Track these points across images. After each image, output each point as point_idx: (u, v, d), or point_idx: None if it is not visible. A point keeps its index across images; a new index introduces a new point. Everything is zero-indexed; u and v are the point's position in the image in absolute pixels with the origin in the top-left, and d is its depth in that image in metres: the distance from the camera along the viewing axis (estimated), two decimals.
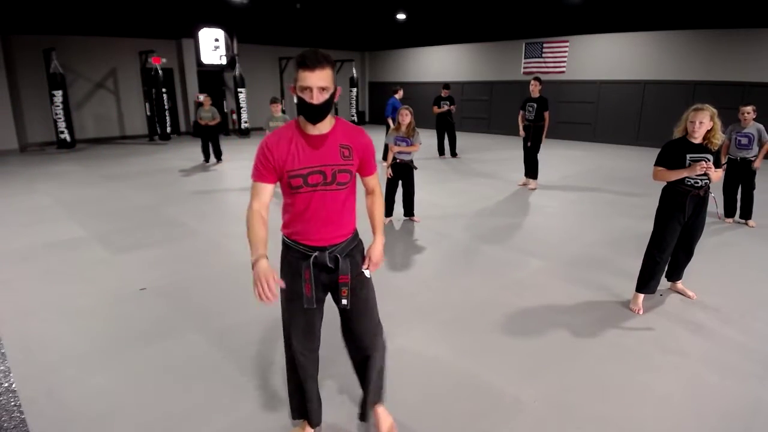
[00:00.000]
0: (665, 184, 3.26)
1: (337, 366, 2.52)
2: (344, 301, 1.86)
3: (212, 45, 13.95)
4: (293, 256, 1.86)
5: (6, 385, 2.50)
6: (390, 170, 5.26)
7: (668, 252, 3.32)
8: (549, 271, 4.13)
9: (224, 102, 14.85)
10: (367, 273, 1.92)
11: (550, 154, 7.61)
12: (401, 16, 14.74)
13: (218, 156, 9.57)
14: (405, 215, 5.55)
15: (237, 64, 13.97)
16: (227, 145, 11.69)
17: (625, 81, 12.21)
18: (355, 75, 16.52)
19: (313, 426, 2.11)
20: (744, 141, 5.29)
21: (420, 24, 15.41)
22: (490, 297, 3.62)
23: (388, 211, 5.42)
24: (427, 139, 8.13)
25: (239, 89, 14.04)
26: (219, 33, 13.95)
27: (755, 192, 5.41)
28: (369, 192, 2.00)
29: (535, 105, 7.11)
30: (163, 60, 12.52)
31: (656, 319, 3.26)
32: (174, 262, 4.35)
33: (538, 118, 7.13)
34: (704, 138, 3.07)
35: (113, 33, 12.42)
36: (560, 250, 4.62)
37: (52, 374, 2.61)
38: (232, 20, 13.77)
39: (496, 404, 2.39)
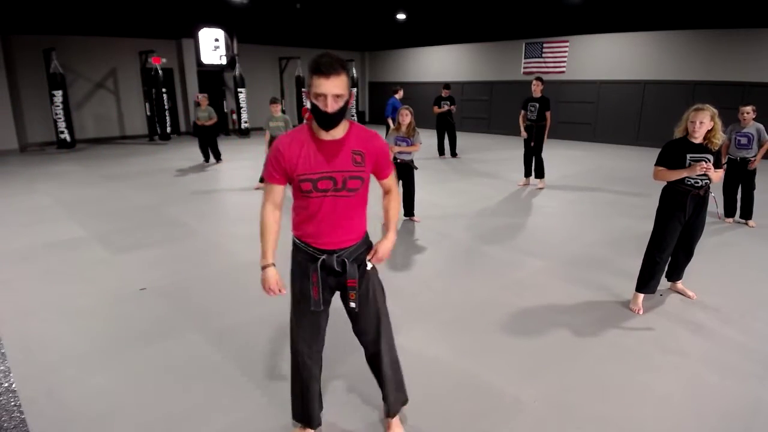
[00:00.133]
0: (665, 183, 3.26)
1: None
2: (352, 304, 1.87)
3: (212, 45, 13.95)
4: (302, 258, 1.87)
5: (6, 385, 2.50)
6: None
7: (668, 252, 3.32)
8: (549, 271, 4.13)
9: (224, 102, 14.85)
10: (368, 265, 1.91)
11: (551, 154, 7.62)
12: (401, 16, 14.75)
13: (216, 156, 9.53)
14: (405, 215, 5.55)
15: (237, 64, 13.97)
16: (228, 145, 11.71)
17: (625, 81, 12.21)
18: (355, 75, 16.52)
19: (313, 427, 2.11)
20: (743, 141, 5.29)
21: (420, 24, 15.41)
22: (491, 297, 3.62)
23: None
24: (428, 139, 8.13)
25: (239, 89, 14.03)
26: (219, 33, 13.94)
27: (755, 192, 5.41)
28: (386, 192, 2.00)
29: (538, 105, 7.12)
30: (163, 60, 12.52)
31: (656, 319, 3.26)
32: (174, 262, 4.35)
33: (540, 117, 7.15)
34: (705, 138, 3.07)
35: (113, 33, 12.41)
36: (560, 250, 4.62)
37: (52, 374, 2.61)
38: (232, 20, 13.77)
39: (496, 404, 2.39)
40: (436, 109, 10.13)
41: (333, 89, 1.61)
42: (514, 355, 2.83)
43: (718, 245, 4.78)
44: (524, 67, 14.06)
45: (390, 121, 9.29)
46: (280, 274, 1.88)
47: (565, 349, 2.90)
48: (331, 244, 1.82)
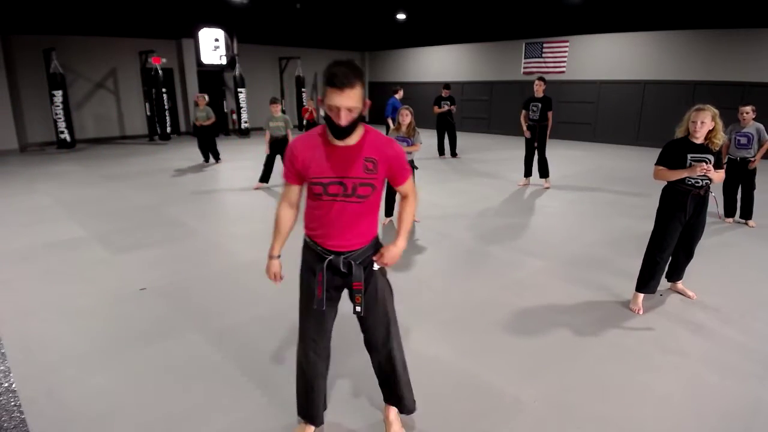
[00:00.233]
0: (666, 183, 3.26)
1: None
2: (357, 308, 1.88)
3: (212, 45, 13.94)
4: (311, 256, 1.90)
5: (6, 385, 2.50)
6: None
7: (668, 252, 3.32)
8: (549, 271, 4.13)
9: (224, 102, 14.85)
10: (375, 266, 1.91)
11: (551, 153, 7.62)
12: (401, 16, 14.74)
13: (215, 156, 9.51)
14: None
15: (237, 64, 13.97)
16: (228, 145, 11.71)
17: (625, 81, 12.21)
18: None
19: (316, 425, 2.11)
20: (743, 141, 5.29)
21: (420, 24, 15.41)
22: (491, 297, 3.62)
23: (389, 211, 5.41)
24: (428, 139, 8.13)
25: (239, 89, 14.03)
26: (219, 33, 13.93)
27: (755, 192, 5.42)
28: (403, 197, 1.99)
29: (540, 105, 7.13)
30: (163, 60, 12.51)
31: (656, 319, 3.26)
32: (174, 262, 4.35)
33: (542, 117, 7.16)
34: (706, 138, 3.07)
35: (113, 33, 12.41)
36: (560, 250, 4.62)
37: (52, 374, 2.61)
38: (232, 20, 13.77)
39: (496, 404, 2.39)
40: (436, 109, 10.13)
41: (346, 102, 1.60)
42: (514, 355, 2.83)
43: (718, 245, 4.78)
44: (524, 67, 14.06)
45: (390, 121, 9.30)
46: (287, 268, 1.91)
47: (565, 349, 2.90)
48: (339, 246, 1.83)
